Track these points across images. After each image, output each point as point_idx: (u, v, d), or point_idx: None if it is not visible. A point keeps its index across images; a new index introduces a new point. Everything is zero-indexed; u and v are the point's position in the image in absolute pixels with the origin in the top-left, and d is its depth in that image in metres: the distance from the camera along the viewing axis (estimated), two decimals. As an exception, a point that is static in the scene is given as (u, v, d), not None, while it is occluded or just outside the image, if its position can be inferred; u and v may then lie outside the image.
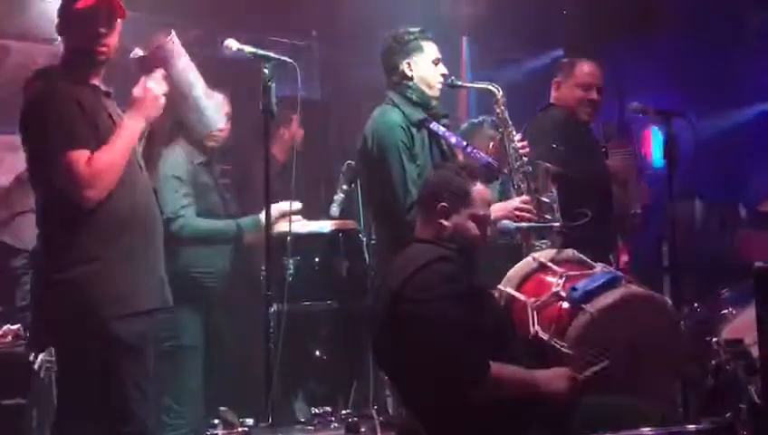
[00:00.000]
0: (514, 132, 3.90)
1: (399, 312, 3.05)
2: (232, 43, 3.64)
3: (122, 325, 3.08)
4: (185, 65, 3.34)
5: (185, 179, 4.26)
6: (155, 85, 3.22)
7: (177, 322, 4.07)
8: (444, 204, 3.16)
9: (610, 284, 3.20)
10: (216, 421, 3.25)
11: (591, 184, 4.26)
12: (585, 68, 4.52)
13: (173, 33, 3.34)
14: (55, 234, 3.08)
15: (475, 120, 4.85)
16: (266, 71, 3.60)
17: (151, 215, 3.24)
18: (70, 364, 3.11)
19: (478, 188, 3.22)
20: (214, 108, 3.51)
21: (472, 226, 3.19)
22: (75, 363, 3.08)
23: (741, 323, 3.41)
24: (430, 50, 3.95)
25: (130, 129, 3.17)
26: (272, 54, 3.65)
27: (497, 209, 3.70)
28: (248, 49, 3.64)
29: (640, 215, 4.84)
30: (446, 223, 3.15)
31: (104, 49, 3.16)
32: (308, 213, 4.48)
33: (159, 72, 3.24)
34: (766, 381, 2.41)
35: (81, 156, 3.02)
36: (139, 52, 3.32)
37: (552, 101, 4.58)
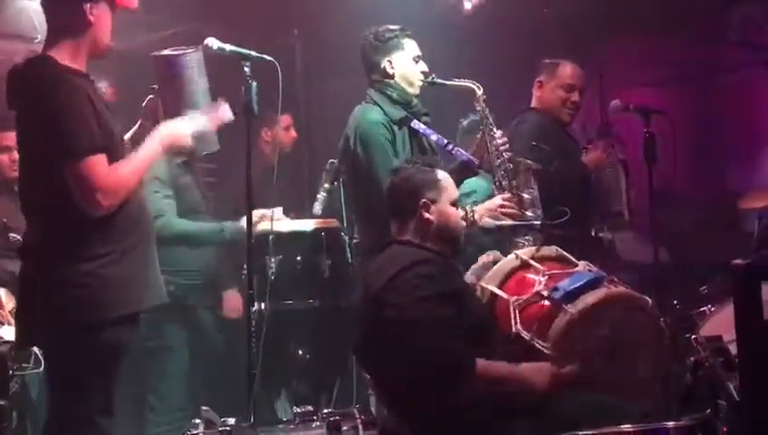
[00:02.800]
0: (495, 130, 3.91)
1: (381, 314, 3.06)
2: (212, 42, 3.63)
3: (128, 321, 3.09)
4: (200, 84, 3.34)
5: (164, 180, 4.27)
6: (186, 127, 3.25)
7: (161, 321, 4.07)
8: (424, 199, 3.18)
9: (592, 284, 3.20)
10: (198, 421, 3.24)
11: (570, 183, 4.29)
12: (568, 69, 4.57)
13: (200, 49, 3.35)
14: (64, 229, 3.03)
15: (476, 118, 4.84)
16: (247, 69, 3.60)
17: (148, 213, 3.26)
18: (68, 357, 3.06)
19: (443, 175, 3.28)
20: (210, 133, 3.45)
21: (453, 211, 3.23)
22: (73, 356, 3.04)
23: (720, 321, 3.43)
24: (411, 48, 3.96)
25: (152, 152, 3.18)
26: (252, 53, 3.64)
27: (482, 209, 3.73)
28: (228, 47, 3.63)
29: (623, 212, 4.86)
30: (431, 217, 3.17)
31: (109, 45, 3.19)
32: (290, 212, 4.49)
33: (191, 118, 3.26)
34: (744, 377, 2.42)
35: (100, 162, 2.99)
36: (162, 58, 3.31)
37: (533, 102, 4.63)
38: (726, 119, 6.44)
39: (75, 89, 3.02)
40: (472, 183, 4.26)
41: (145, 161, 3.15)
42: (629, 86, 6.34)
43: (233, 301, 4.43)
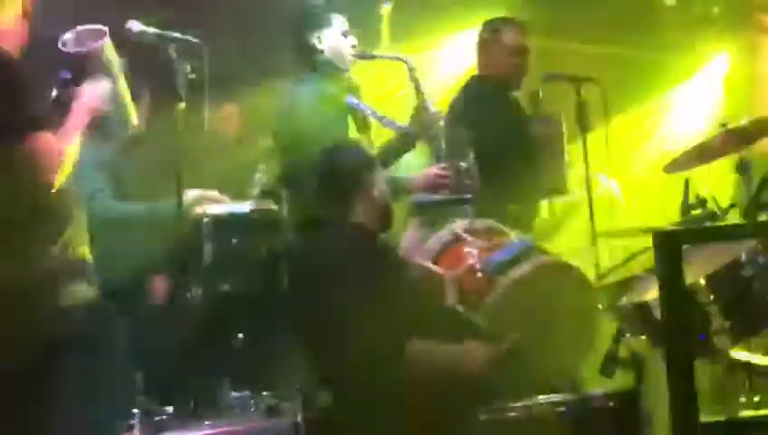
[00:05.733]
0: (429, 101, 3.89)
1: (317, 298, 3.09)
2: (134, 25, 3.56)
3: (68, 315, 3.01)
4: (113, 62, 3.29)
5: (97, 162, 4.17)
6: (100, 88, 3.19)
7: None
8: (358, 180, 3.19)
9: (523, 254, 3.24)
10: (135, 411, 3.20)
11: (513, 155, 4.26)
12: (512, 31, 4.43)
13: (107, 33, 3.30)
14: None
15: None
16: (171, 52, 3.54)
17: (78, 201, 3.17)
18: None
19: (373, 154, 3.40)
20: (124, 113, 3.42)
21: (385, 187, 3.31)
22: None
23: (647, 285, 3.44)
24: (338, 22, 3.93)
25: (80, 119, 3.11)
26: (177, 35, 3.59)
27: (418, 179, 3.74)
28: (152, 30, 3.58)
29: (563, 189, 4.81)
30: (373, 196, 3.21)
31: None
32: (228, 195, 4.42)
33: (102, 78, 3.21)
34: (669, 345, 2.43)
35: (50, 138, 2.93)
36: (70, 43, 3.22)
37: (478, 68, 4.49)
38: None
39: (21, 68, 2.97)
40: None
41: (76, 128, 3.09)
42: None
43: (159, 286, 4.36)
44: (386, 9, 6.27)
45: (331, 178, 3.29)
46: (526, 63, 4.44)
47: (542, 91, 4.44)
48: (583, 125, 4.12)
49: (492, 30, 4.48)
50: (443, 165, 3.79)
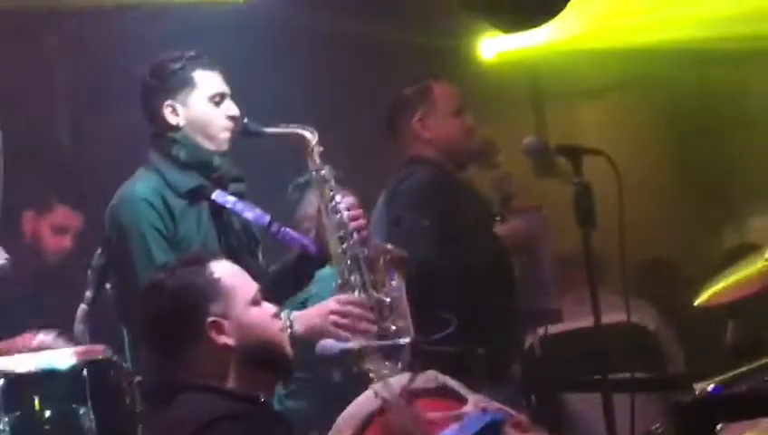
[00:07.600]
0: (339, 196, 3.88)
1: None
2: None
3: None
4: None
5: None
6: None
7: None
8: (211, 318, 3.12)
9: (488, 432, 3.20)
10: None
11: (473, 272, 4.31)
12: (445, 87, 4.67)
13: None
14: None
15: (301, 180, 4.80)
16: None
17: None
18: None
19: (225, 267, 3.23)
20: None
21: (258, 314, 3.20)
22: None
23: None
24: (208, 83, 3.93)
25: None
26: None
27: (307, 318, 3.74)
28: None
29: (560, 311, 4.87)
30: (227, 340, 3.13)
31: None
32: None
33: None
34: None
35: None
36: None
37: (416, 148, 4.63)
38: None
39: None
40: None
41: None
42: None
43: None
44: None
45: (161, 318, 3.20)
46: (474, 124, 4.67)
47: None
48: (585, 218, 4.07)
49: (418, 91, 4.68)
50: (345, 297, 3.77)
